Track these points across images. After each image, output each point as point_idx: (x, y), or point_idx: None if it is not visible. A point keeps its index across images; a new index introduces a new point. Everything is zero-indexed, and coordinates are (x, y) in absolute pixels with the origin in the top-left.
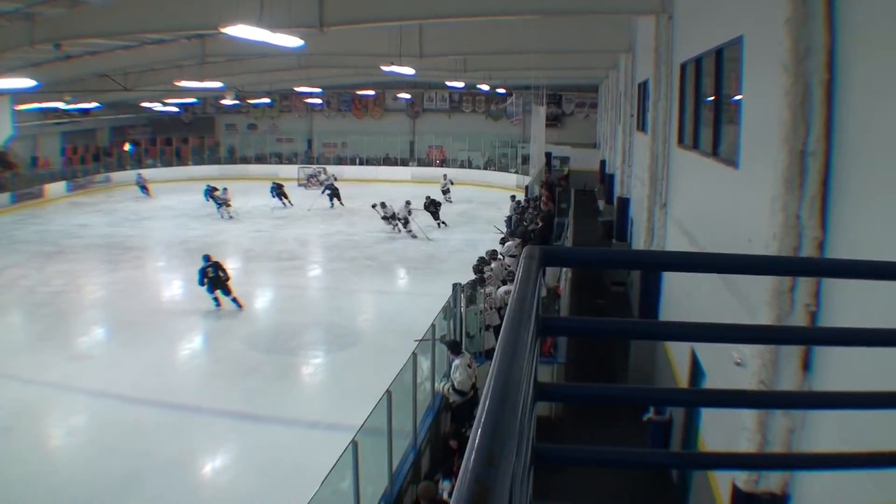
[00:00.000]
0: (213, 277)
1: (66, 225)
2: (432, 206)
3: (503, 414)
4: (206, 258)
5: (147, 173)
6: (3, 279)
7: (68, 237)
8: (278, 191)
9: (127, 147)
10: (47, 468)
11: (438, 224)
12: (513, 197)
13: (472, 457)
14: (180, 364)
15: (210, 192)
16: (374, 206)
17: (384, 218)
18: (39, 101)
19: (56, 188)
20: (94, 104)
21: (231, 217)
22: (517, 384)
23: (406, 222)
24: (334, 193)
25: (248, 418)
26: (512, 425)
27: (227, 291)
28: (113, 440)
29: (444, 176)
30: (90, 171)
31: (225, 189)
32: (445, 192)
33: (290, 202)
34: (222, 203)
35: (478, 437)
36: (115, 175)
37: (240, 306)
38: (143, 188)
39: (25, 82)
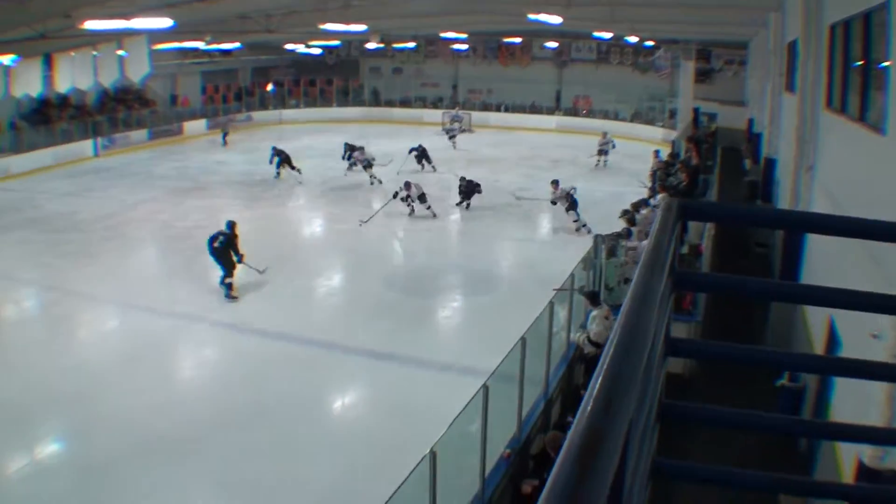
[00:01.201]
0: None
1: (205, 162)
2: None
3: (626, 363)
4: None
5: (262, 116)
6: (140, 213)
7: (207, 174)
8: (280, 158)
9: (269, 87)
10: (175, 398)
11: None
12: (656, 152)
13: (590, 403)
14: (317, 301)
15: (349, 151)
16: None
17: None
18: (178, 41)
19: (195, 126)
20: (234, 45)
21: (375, 182)
22: (644, 335)
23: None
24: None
25: (382, 357)
26: (634, 375)
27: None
28: (244, 373)
29: (605, 134)
30: (231, 110)
31: (361, 149)
32: (602, 151)
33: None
34: (364, 165)
35: (597, 384)
36: (256, 115)
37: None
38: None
39: (162, 22)
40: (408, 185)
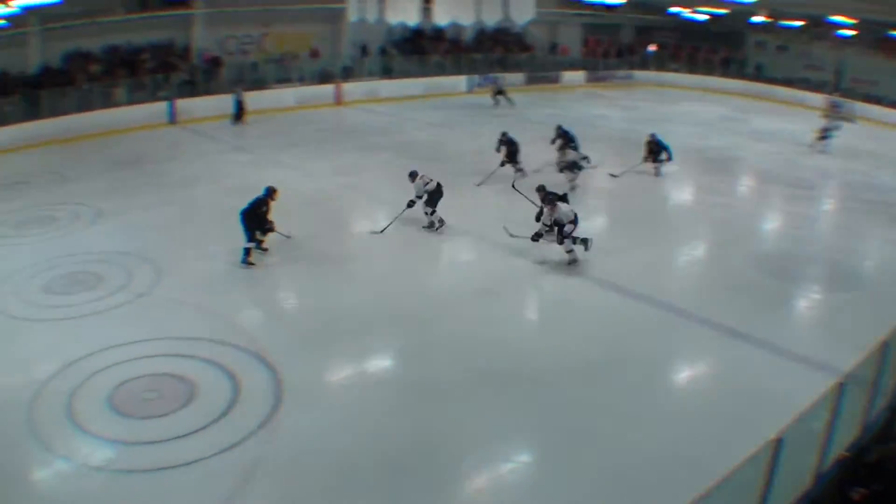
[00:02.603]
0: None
1: (582, 114)
2: None
3: None
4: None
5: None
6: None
7: (582, 125)
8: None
9: (650, 49)
10: (515, 336)
11: None
12: None
13: None
14: (678, 268)
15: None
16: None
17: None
18: None
19: (573, 77)
20: (619, 1)
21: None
22: None
23: None
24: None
25: (735, 335)
26: None
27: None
28: (595, 327)
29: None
30: (611, 66)
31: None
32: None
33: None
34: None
35: None
36: (637, 74)
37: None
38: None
39: None
40: None
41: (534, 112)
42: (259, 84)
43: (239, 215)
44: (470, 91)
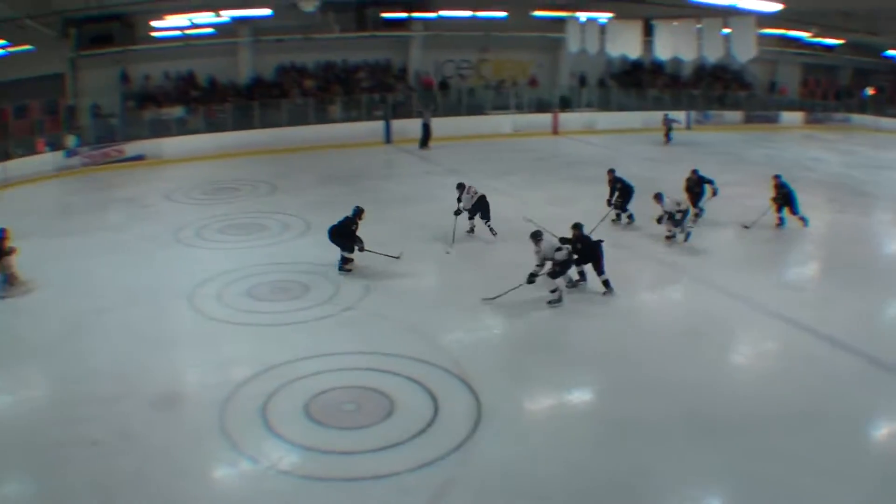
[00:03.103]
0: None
1: (798, 156)
2: None
3: None
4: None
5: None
6: (726, 193)
7: (798, 168)
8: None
9: (866, 91)
10: (722, 379)
11: None
12: None
13: None
14: (893, 319)
15: None
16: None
17: None
18: (783, 28)
19: (791, 117)
20: (837, 41)
21: None
22: None
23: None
24: None
25: None
26: None
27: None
28: (802, 376)
29: None
30: (829, 107)
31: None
32: None
33: None
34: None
35: None
36: (854, 117)
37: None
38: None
39: (770, 6)
40: None
41: (751, 152)
42: (476, 110)
43: (327, 233)
44: (688, 128)
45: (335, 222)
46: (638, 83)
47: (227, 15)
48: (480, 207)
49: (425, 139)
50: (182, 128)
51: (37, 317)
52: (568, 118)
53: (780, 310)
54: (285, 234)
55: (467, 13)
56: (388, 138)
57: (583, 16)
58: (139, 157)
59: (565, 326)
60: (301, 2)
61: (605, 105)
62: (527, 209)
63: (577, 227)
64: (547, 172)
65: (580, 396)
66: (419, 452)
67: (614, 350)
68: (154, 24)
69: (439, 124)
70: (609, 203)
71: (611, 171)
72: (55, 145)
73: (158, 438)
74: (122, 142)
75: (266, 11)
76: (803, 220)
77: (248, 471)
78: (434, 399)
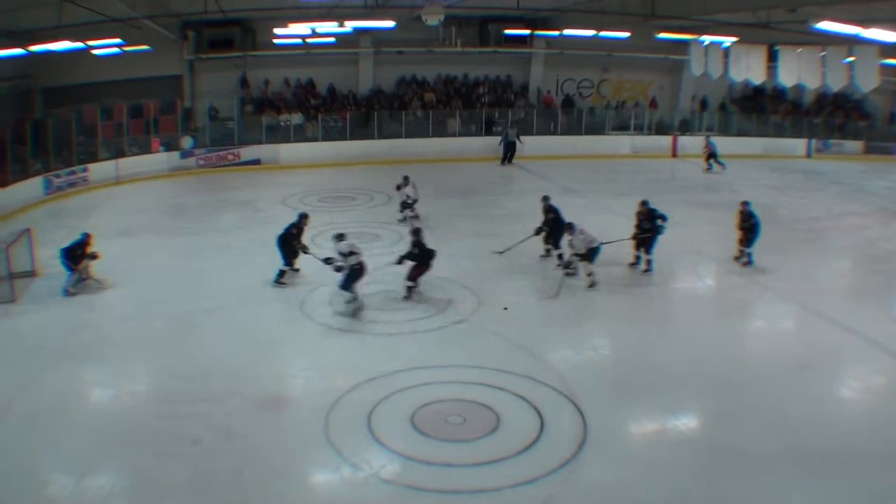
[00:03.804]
0: None
1: None
2: None
3: None
4: None
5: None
6: (843, 224)
7: None
8: None
9: None
10: (827, 414)
11: None
12: None
13: None
14: None
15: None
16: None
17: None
18: None
19: None
20: None
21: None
22: None
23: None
24: None
25: None
26: None
27: None
28: None
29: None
30: None
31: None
32: None
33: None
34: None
35: None
36: None
37: None
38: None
39: (892, 37)
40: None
41: (871, 183)
42: (595, 129)
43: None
44: (809, 156)
45: (280, 231)
46: (759, 109)
47: (349, 25)
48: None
49: (508, 155)
50: (299, 135)
51: (144, 314)
52: (687, 141)
53: (892, 344)
54: (399, 244)
55: (590, 32)
56: (505, 154)
57: (706, 39)
58: (255, 162)
59: (671, 349)
60: (426, 16)
61: (725, 129)
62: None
63: (545, 198)
64: (664, 195)
65: (685, 422)
66: (522, 469)
67: (720, 376)
68: (276, 31)
69: (558, 143)
70: (537, 231)
71: (545, 199)
72: (170, 145)
73: (261, 440)
74: (238, 145)
75: (390, 23)
76: (749, 256)
77: (350, 477)
78: (541, 417)
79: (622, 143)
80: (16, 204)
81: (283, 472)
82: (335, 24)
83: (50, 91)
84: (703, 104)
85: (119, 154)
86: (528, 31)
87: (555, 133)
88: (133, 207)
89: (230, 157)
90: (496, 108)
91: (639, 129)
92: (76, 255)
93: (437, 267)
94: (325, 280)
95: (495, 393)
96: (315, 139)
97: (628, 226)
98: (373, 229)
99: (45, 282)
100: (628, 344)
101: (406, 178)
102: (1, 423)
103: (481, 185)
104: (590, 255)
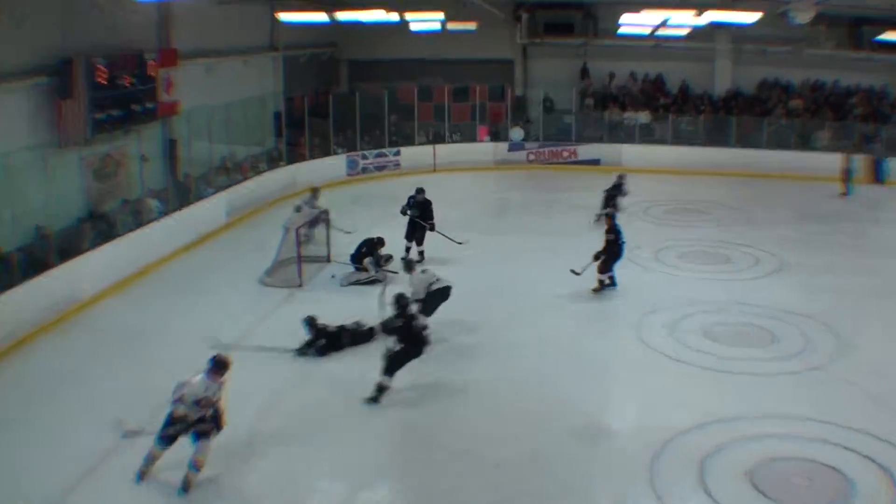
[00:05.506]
0: None
1: None
2: None
3: None
4: None
5: None
6: None
7: None
8: None
9: None
10: None
11: None
12: None
13: None
14: None
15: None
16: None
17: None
18: None
19: None
20: None
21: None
22: None
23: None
24: None
25: None
26: None
27: None
28: None
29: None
30: None
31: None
32: None
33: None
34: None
35: None
36: None
37: None
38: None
39: None
40: None
41: None
42: None
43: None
44: None
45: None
46: None
47: (706, 18)
48: None
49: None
50: (646, 136)
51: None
52: None
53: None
54: (753, 270)
55: None
56: (878, 176)
57: None
58: (594, 162)
59: None
60: (795, 13)
61: None
62: None
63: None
64: None
65: None
66: None
67: None
68: (625, 18)
69: None
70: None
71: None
72: (497, 136)
73: (570, 470)
74: (575, 142)
75: (753, 17)
76: (612, 278)
77: None
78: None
79: None
80: (317, 179)
81: None
82: (692, 13)
83: (356, 64)
84: None
85: (438, 139)
86: None
87: None
88: (450, 199)
89: (565, 154)
90: (870, 122)
91: None
92: (362, 252)
93: (791, 299)
94: (666, 303)
95: (845, 454)
96: (664, 142)
97: None
98: (722, 249)
99: (338, 268)
100: None
101: (621, 177)
102: None
103: (850, 211)
104: None
